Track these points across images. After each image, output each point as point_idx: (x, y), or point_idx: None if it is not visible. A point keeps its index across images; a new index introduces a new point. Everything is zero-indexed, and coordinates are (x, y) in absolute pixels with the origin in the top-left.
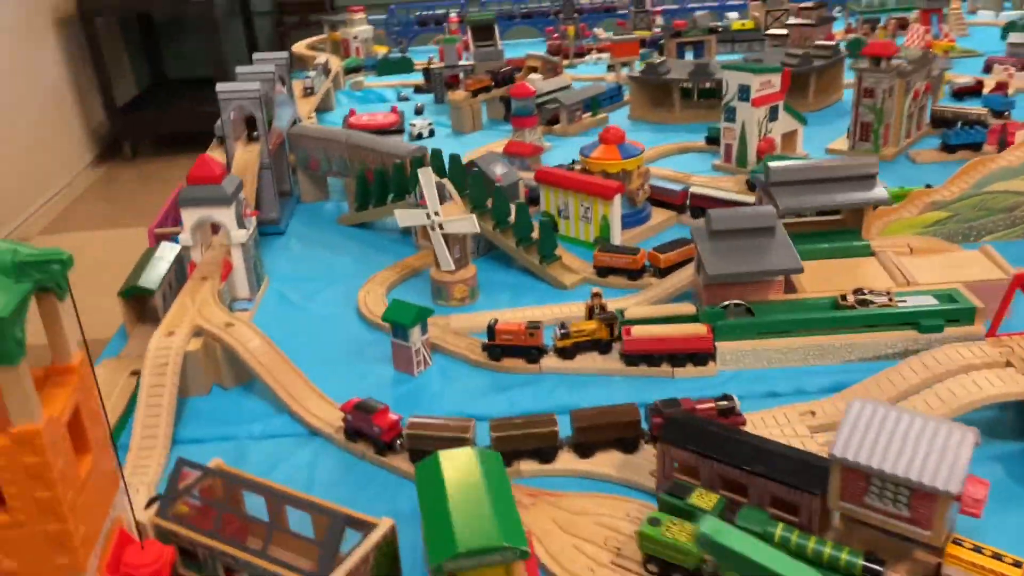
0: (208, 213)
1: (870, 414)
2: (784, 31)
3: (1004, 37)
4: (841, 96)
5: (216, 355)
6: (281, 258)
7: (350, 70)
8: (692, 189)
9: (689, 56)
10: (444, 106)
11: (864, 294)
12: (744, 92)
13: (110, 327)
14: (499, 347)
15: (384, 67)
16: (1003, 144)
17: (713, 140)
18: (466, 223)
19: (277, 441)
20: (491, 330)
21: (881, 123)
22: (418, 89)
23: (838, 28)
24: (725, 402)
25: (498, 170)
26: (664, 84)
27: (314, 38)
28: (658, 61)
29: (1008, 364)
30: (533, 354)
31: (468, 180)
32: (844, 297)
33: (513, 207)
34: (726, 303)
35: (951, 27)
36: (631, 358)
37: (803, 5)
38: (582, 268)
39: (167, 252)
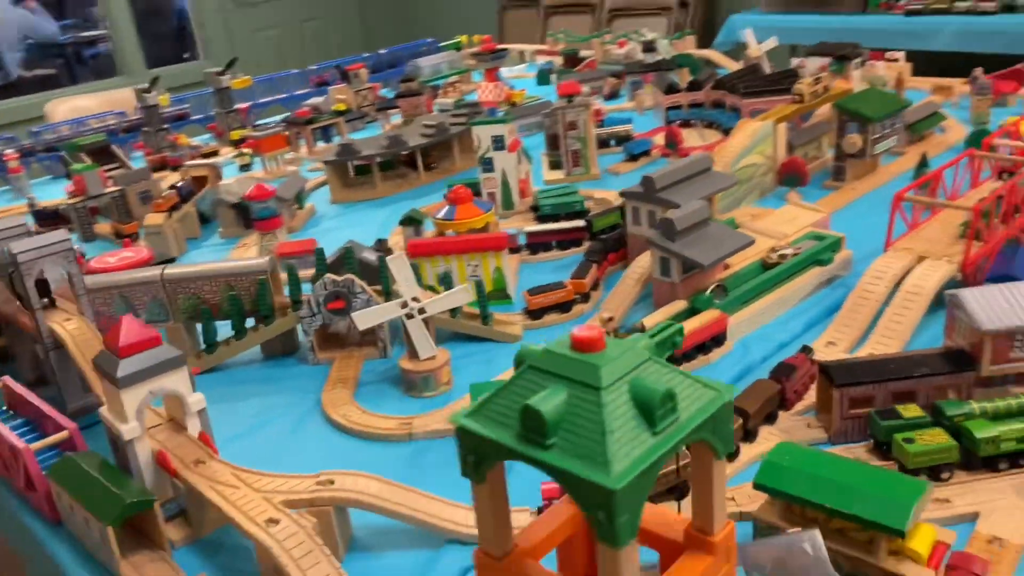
0: (158, 385)
1: (978, 295)
2: (394, 105)
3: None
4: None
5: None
6: None
7: None
8: (527, 230)
9: (323, 142)
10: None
11: (777, 251)
12: (499, 142)
13: None
14: None
15: None
16: (675, 145)
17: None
18: (459, 295)
19: None
20: None
21: (587, 148)
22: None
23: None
24: (810, 353)
25: (368, 255)
26: (363, 162)
27: None
28: (343, 141)
29: (921, 258)
30: None
31: (366, 269)
32: (767, 259)
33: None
34: (711, 288)
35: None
36: (677, 359)
37: (404, 81)
38: (508, 318)
39: None
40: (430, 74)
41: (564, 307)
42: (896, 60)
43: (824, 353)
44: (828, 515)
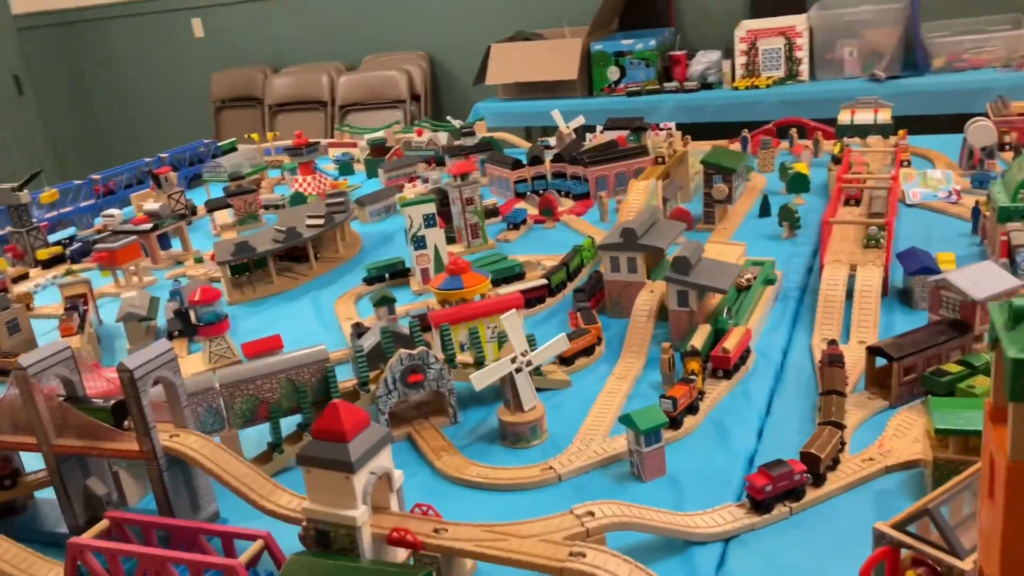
0: (377, 465)
1: (960, 277)
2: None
3: (346, 172)
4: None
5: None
6: None
7: None
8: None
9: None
10: None
11: (744, 277)
12: (430, 219)
13: None
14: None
15: None
16: (551, 211)
17: (375, 279)
18: (558, 344)
19: None
20: None
21: (483, 221)
22: None
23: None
24: (836, 346)
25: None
26: (260, 259)
27: None
28: (238, 240)
29: (852, 266)
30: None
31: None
32: (739, 284)
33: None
34: (725, 311)
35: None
36: (728, 372)
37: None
38: (548, 368)
39: None
40: (231, 173)
41: (588, 351)
42: (670, 130)
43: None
44: None
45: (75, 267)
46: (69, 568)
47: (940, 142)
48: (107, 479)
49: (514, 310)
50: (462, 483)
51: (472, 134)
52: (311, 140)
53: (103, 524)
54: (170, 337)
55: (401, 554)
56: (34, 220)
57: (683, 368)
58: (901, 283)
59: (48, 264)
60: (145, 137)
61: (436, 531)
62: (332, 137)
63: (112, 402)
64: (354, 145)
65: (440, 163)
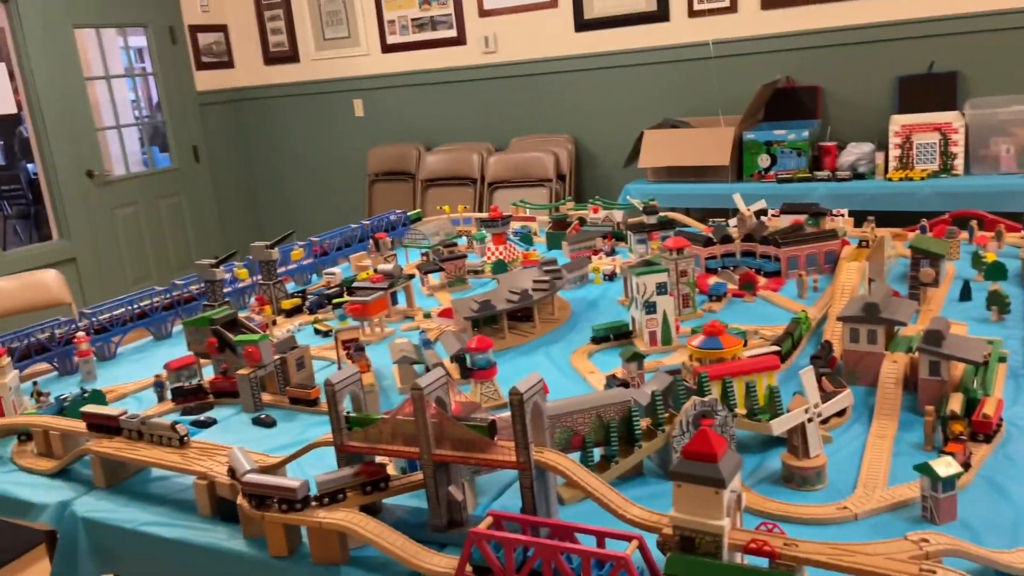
0: (735, 484)
1: None
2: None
3: (526, 243)
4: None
5: None
6: None
7: None
8: None
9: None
10: None
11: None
12: (662, 288)
13: None
14: None
15: None
16: (752, 286)
17: (602, 339)
18: (844, 398)
19: None
20: None
21: (694, 292)
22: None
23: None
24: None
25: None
26: (491, 317)
27: None
28: (481, 299)
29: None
30: None
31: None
32: None
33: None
34: (973, 382)
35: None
36: (988, 436)
37: (448, 246)
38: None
39: None
40: (444, 240)
41: (840, 413)
42: (843, 216)
43: None
44: None
45: (319, 316)
46: (466, 554)
47: None
48: (461, 488)
49: (810, 368)
50: (763, 515)
51: (655, 212)
52: (505, 214)
53: (488, 520)
54: None
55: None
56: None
57: (946, 430)
58: None
59: (290, 313)
60: (301, 206)
61: (786, 545)
62: (482, 211)
63: (488, 420)
64: (532, 219)
65: (618, 238)
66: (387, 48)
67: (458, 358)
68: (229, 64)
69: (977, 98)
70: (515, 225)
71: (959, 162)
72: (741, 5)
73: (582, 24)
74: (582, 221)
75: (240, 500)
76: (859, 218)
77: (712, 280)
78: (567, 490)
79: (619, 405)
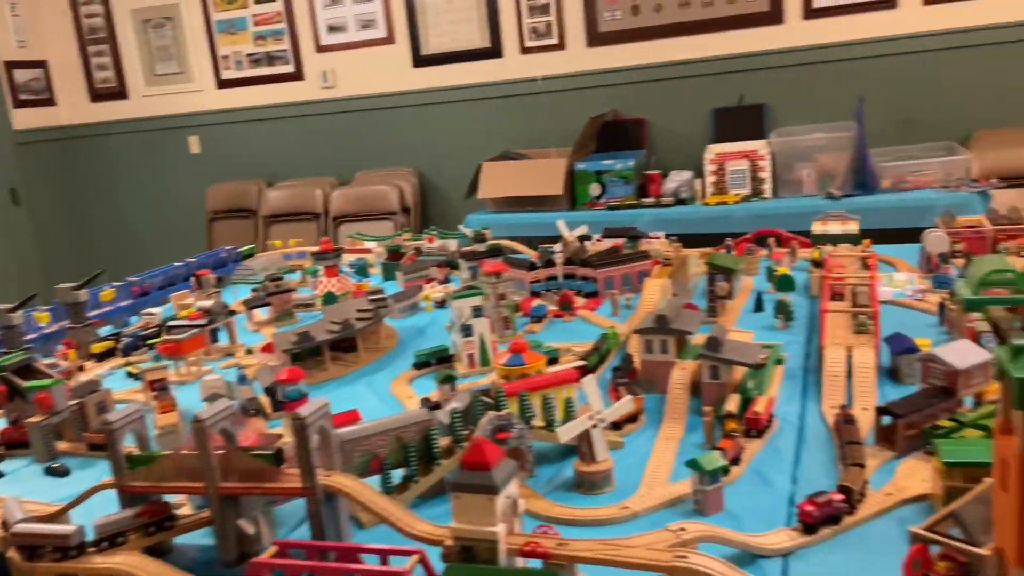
0: (511, 491)
1: (946, 353)
2: None
3: (361, 274)
4: None
5: None
6: None
7: None
8: None
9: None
10: None
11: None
12: (477, 311)
13: None
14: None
15: None
16: (570, 306)
17: (424, 364)
18: (626, 405)
19: None
20: None
21: (513, 315)
22: None
23: None
24: (846, 409)
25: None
26: (314, 348)
27: None
28: (300, 330)
29: (848, 347)
30: None
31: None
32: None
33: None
34: (750, 383)
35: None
36: (760, 431)
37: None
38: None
39: None
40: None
41: (634, 419)
42: (659, 238)
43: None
44: None
45: (132, 359)
46: None
47: (895, 250)
48: (254, 521)
49: (591, 375)
50: (551, 520)
51: (484, 240)
52: (336, 246)
53: (273, 549)
54: (246, 414)
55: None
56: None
57: (722, 429)
58: (888, 363)
59: (102, 357)
60: (136, 247)
61: (559, 545)
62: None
63: (275, 448)
64: (368, 251)
65: (452, 267)
66: (222, 83)
67: (270, 391)
68: (50, 101)
69: (783, 127)
70: (351, 257)
71: (767, 186)
72: (568, 42)
73: (419, 60)
74: (418, 251)
75: (10, 553)
76: (683, 240)
77: (535, 303)
78: (366, 513)
79: (418, 425)
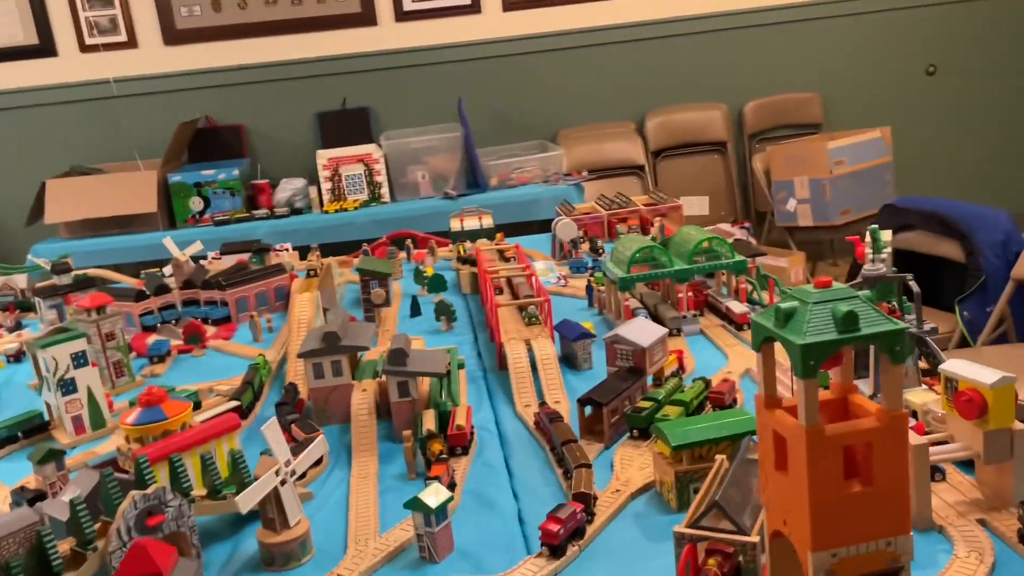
0: None
1: (626, 332)
2: None
3: None
4: None
5: None
6: None
7: None
8: None
9: None
10: None
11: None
12: (79, 358)
13: None
14: None
15: None
16: (198, 338)
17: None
18: (319, 447)
19: None
20: None
21: (127, 357)
22: None
23: None
24: (546, 406)
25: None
26: None
27: None
28: None
29: (527, 340)
30: None
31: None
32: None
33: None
34: (441, 395)
35: None
36: (466, 448)
37: None
38: None
39: None
40: None
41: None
42: (287, 250)
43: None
44: None
45: None
46: None
47: (526, 241)
48: None
49: (273, 419)
50: None
51: (67, 271)
52: None
53: None
54: None
55: None
56: None
57: (426, 453)
58: (560, 351)
59: None
60: None
61: None
62: None
63: None
64: None
65: (25, 308)
66: None
67: None
68: None
69: (391, 131)
70: None
71: (385, 190)
72: (141, 40)
73: None
74: None
75: None
76: (304, 251)
77: (151, 339)
78: None
79: (19, 533)
